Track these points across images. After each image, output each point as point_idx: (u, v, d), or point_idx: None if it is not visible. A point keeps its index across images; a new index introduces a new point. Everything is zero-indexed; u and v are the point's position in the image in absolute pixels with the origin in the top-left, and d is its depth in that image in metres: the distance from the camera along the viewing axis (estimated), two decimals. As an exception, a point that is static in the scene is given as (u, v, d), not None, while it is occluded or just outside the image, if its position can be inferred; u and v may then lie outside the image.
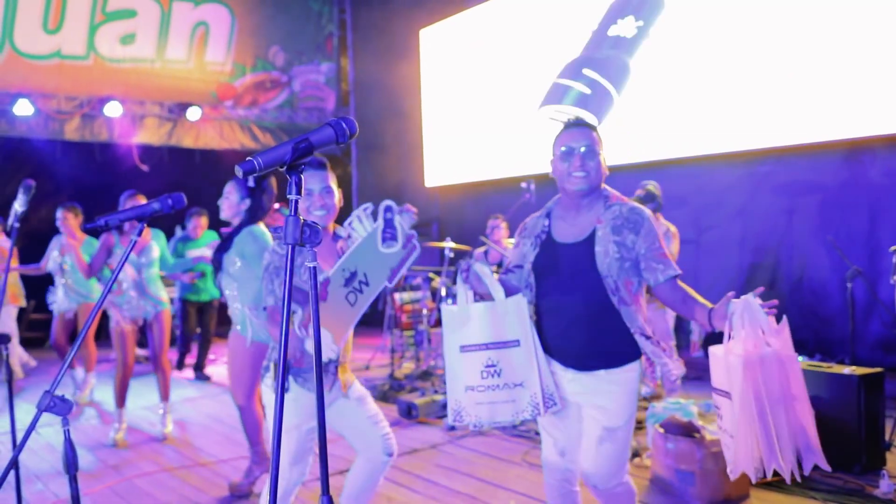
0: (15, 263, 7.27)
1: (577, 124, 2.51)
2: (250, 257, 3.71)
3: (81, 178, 8.86)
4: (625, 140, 7.35)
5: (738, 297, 2.22)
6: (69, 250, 5.76)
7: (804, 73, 5.91)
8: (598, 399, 2.46)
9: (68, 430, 2.06)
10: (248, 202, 3.81)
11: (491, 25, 8.93)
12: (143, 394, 6.27)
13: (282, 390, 1.40)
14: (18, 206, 3.34)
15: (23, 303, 7.18)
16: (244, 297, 3.72)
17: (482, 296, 2.53)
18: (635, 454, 4.29)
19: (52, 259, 5.97)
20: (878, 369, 4.03)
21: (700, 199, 6.84)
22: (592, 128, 2.51)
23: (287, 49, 10.92)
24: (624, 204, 2.49)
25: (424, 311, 6.64)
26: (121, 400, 5.11)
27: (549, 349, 2.51)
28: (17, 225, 3.35)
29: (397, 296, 6.77)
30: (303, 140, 1.34)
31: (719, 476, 3.54)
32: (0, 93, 8.60)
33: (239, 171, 1.30)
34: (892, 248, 4.04)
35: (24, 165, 8.75)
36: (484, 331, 2.43)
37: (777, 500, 3.60)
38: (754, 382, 2.11)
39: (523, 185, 5.65)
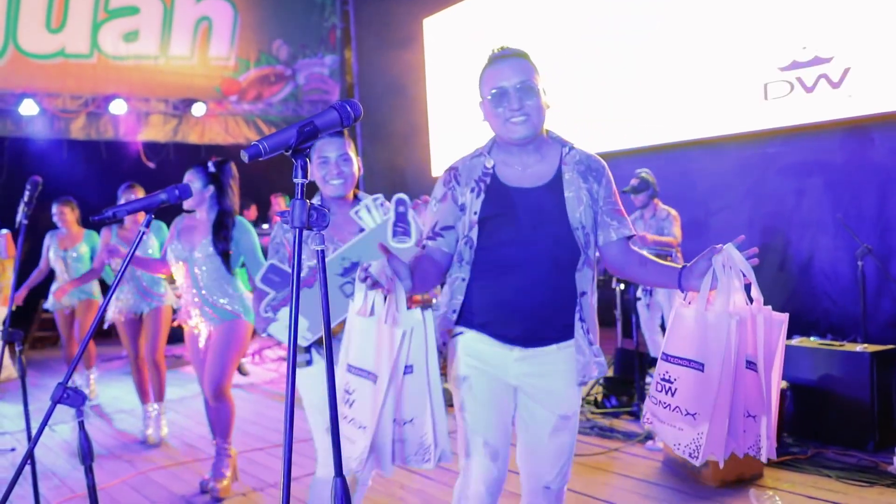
0: (10, 265, 7.30)
1: (504, 56, 2.06)
2: (244, 247, 3.75)
3: (88, 177, 8.90)
4: (631, 124, 7.31)
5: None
6: (71, 245, 5.74)
7: (812, 51, 5.87)
8: (551, 382, 2.08)
9: (83, 422, 2.08)
10: (211, 188, 3.75)
11: (494, 13, 8.89)
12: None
13: (292, 385, 1.39)
14: (25, 202, 3.36)
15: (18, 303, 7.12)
16: (236, 285, 3.78)
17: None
18: (648, 437, 4.30)
19: (51, 255, 5.82)
20: (891, 346, 4.02)
21: (708, 182, 6.81)
22: (524, 55, 2.06)
23: (290, 42, 10.90)
24: (581, 150, 2.13)
25: (434, 301, 6.64)
26: (142, 394, 5.06)
27: (488, 322, 2.06)
28: (25, 222, 3.37)
29: None
30: (308, 123, 1.34)
31: (732, 456, 3.53)
32: (5, 93, 8.63)
33: (244, 156, 1.31)
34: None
35: (31, 165, 8.78)
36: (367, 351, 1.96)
37: (791, 479, 3.59)
38: (743, 345, 1.81)
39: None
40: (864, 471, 3.61)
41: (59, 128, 9.14)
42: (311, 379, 2.57)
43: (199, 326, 3.79)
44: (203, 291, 3.73)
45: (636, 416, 4.76)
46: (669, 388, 1.89)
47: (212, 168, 3.79)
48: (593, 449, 4.23)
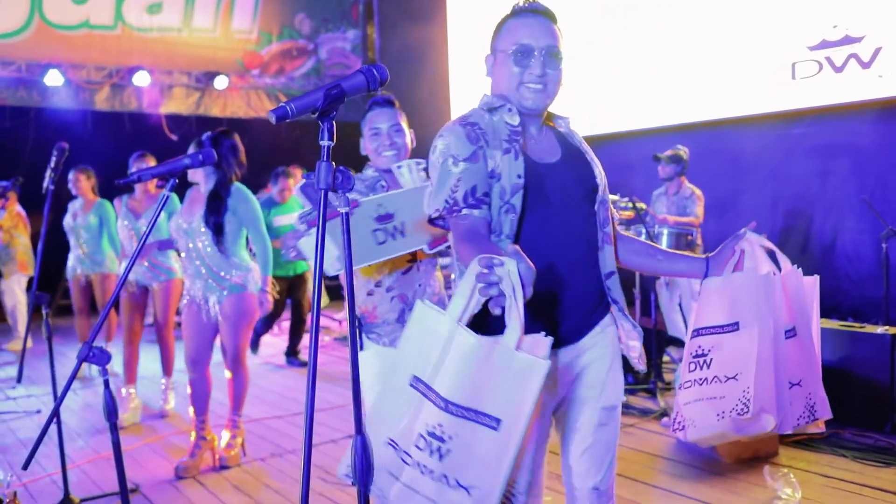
0: (24, 232, 7.32)
1: (535, 10, 1.80)
2: (242, 216, 3.74)
3: (112, 148, 8.94)
4: (657, 103, 7.25)
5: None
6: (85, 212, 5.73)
7: (842, 30, 5.77)
8: (595, 370, 1.84)
9: (108, 380, 2.12)
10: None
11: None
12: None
13: (315, 350, 1.40)
14: (52, 168, 3.42)
15: (32, 272, 7.07)
16: (241, 256, 3.79)
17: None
18: (664, 413, 4.31)
19: (67, 224, 5.75)
20: (912, 329, 3.99)
21: (733, 162, 6.74)
22: (555, 18, 1.82)
23: (313, 16, 10.88)
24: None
25: (452, 277, 6.66)
26: (128, 373, 4.92)
27: (535, 320, 1.64)
28: (52, 188, 3.43)
29: None
30: (335, 86, 1.35)
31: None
32: (31, 64, 8.71)
33: (272, 117, 1.32)
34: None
35: (56, 136, 8.83)
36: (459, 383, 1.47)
37: (806, 458, 3.60)
38: (777, 305, 1.78)
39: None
40: (880, 451, 3.61)
41: (83, 99, 9.22)
42: (361, 364, 2.40)
43: (202, 298, 3.76)
44: (208, 263, 3.73)
45: (652, 392, 4.77)
46: (703, 361, 1.86)
47: (205, 139, 3.76)
48: (609, 425, 4.26)
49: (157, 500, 3.48)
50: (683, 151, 5.54)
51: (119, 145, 9.08)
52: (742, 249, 1.86)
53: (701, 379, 1.85)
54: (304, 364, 6.37)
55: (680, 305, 5.81)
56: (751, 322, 1.79)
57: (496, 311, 1.35)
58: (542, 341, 1.41)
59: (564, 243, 1.79)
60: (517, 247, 1.39)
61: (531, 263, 1.37)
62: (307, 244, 2.19)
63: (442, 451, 1.43)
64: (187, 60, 9.84)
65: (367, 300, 2.46)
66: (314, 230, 2.12)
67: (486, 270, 1.35)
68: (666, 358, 5.38)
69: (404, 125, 2.51)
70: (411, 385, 1.50)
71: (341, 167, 1.37)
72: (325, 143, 1.35)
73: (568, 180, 1.81)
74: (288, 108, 1.33)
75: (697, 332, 1.88)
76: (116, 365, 5.37)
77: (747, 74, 6.45)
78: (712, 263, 1.90)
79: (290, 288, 6.31)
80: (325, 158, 1.35)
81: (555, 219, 1.77)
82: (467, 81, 9.60)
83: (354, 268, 2.17)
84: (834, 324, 4.26)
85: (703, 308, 1.88)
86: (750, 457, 3.56)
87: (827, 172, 6.17)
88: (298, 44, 10.80)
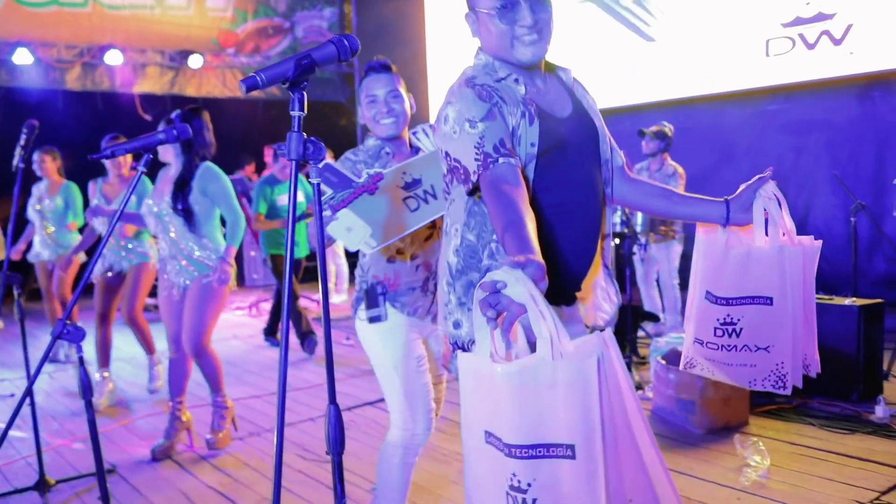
0: None
1: None
2: (213, 195, 3.66)
3: (84, 128, 8.84)
4: (632, 80, 7.28)
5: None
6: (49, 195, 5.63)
7: (815, 6, 5.82)
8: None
9: (82, 357, 2.13)
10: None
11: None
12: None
13: (286, 329, 1.41)
14: (21, 146, 3.37)
15: (1, 254, 6.95)
16: (213, 238, 3.70)
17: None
18: (638, 387, 4.38)
19: (30, 206, 5.64)
20: (879, 300, 4.08)
21: (708, 138, 6.81)
22: None
23: (288, -6, 10.77)
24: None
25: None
26: (101, 357, 4.84)
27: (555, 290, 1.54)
28: (21, 166, 3.38)
29: None
30: (305, 56, 1.35)
31: (719, 404, 3.63)
32: (-1, 41, 8.55)
33: (242, 87, 1.32)
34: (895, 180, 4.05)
35: (26, 115, 8.65)
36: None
37: (775, 427, 3.69)
38: (805, 273, 1.77)
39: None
40: (846, 419, 3.71)
41: (53, 78, 9.07)
42: (382, 335, 2.35)
43: (175, 279, 3.74)
44: (179, 244, 3.69)
45: (627, 367, 4.83)
46: (732, 329, 1.84)
47: (174, 117, 3.69)
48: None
49: (135, 481, 3.48)
50: (668, 128, 5.57)
51: (91, 126, 8.95)
52: (765, 210, 1.78)
53: (729, 345, 1.85)
54: (277, 344, 6.34)
55: (657, 281, 5.88)
56: (783, 297, 1.78)
57: (531, 338, 1.25)
58: (590, 340, 1.25)
59: (582, 206, 1.71)
60: (518, 257, 1.25)
61: (537, 257, 1.28)
62: (336, 229, 2.09)
63: (528, 502, 1.27)
64: (161, 39, 9.69)
65: (387, 268, 2.35)
66: (342, 213, 2.08)
67: (491, 300, 1.23)
68: (641, 333, 5.45)
69: (402, 91, 2.38)
70: (487, 442, 1.33)
71: (312, 137, 1.38)
72: (295, 113, 1.35)
73: (581, 136, 1.73)
74: (258, 78, 1.33)
75: (727, 301, 1.84)
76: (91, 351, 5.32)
77: (722, 51, 6.50)
78: (733, 208, 1.79)
79: (279, 270, 6.11)
80: (295, 129, 1.36)
81: (573, 180, 1.69)
82: (444, 58, 9.57)
83: (396, 239, 2.14)
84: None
85: (727, 272, 1.83)
86: (721, 427, 3.64)
87: (800, 149, 6.26)
88: (274, 22, 10.68)
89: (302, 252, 6.17)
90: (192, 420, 3.95)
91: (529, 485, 1.26)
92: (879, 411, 3.65)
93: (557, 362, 1.24)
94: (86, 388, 2.17)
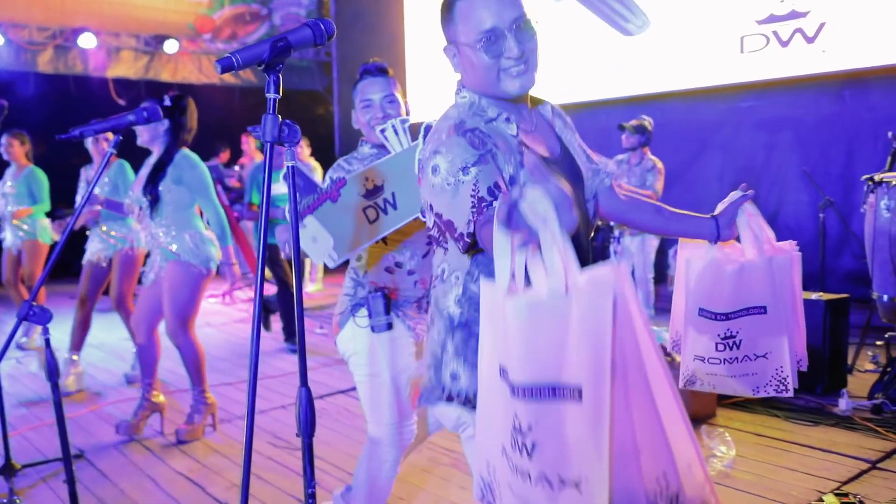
0: None
1: None
2: (189, 183, 3.62)
3: (56, 112, 8.71)
4: (608, 75, 7.32)
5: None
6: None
7: (789, 4, 5.90)
8: None
9: (49, 339, 2.11)
10: (166, 123, 3.62)
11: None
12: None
13: (258, 322, 1.41)
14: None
15: None
16: (182, 225, 3.66)
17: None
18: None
19: (0, 189, 5.58)
20: (845, 295, 4.17)
21: (682, 134, 6.88)
22: None
23: (266, -20, 10.67)
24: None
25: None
26: (73, 338, 4.76)
27: None
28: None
29: None
30: (281, 39, 1.35)
31: (687, 396, 3.67)
32: (-31, 22, 8.38)
33: (217, 67, 1.32)
34: (864, 177, 4.12)
35: (-3, 97, 8.59)
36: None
37: (741, 418, 3.75)
38: (795, 278, 1.83)
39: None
40: (810, 412, 3.79)
41: (25, 60, 8.91)
42: (383, 345, 2.28)
43: (154, 266, 3.73)
44: (153, 231, 3.67)
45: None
46: (733, 342, 1.87)
47: (168, 102, 3.65)
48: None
49: (102, 466, 3.46)
50: (648, 122, 5.60)
51: (63, 109, 8.82)
52: (747, 224, 1.83)
53: (731, 358, 1.90)
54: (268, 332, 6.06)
55: (633, 275, 5.94)
56: (776, 305, 1.84)
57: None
58: (603, 272, 1.16)
59: (574, 240, 1.62)
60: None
61: (564, 184, 1.18)
62: (303, 238, 2.01)
63: (528, 446, 1.21)
64: (136, 23, 9.55)
65: (386, 277, 2.29)
66: (308, 220, 2.02)
67: (507, 212, 1.15)
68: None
69: (399, 95, 2.30)
70: (501, 377, 1.27)
71: (288, 121, 1.38)
72: (271, 95, 1.36)
73: (569, 177, 1.64)
74: (234, 59, 1.33)
75: (726, 316, 1.89)
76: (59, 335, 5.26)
77: (697, 47, 6.56)
78: (722, 223, 1.80)
79: (272, 261, 5.74)
80: (270, 111, 1.36)
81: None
82: (422, 47, 9.55)
83: (351, 254, 2.08)
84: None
85: (724, 288, 1.87)
86: (689, 418, 3.67)
87: (772, 145, 6.35)
88: (252, 8, 10.58)
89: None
90: (166, 405, 3.93)
91: (530, 427, 1.20)
92: (843, 404, 3.73)
93: (570, 297, 1.16)
94: (52, 371, 2.16)
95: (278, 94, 1.36)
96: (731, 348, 1.89)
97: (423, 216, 1.86)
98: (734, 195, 1.82)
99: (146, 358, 3.84)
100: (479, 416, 1.36)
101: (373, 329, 2.23)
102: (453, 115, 1.60)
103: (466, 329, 1.59)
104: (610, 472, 1.16)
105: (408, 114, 2.32)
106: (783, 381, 1.85)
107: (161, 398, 3.90)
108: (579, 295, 1.16)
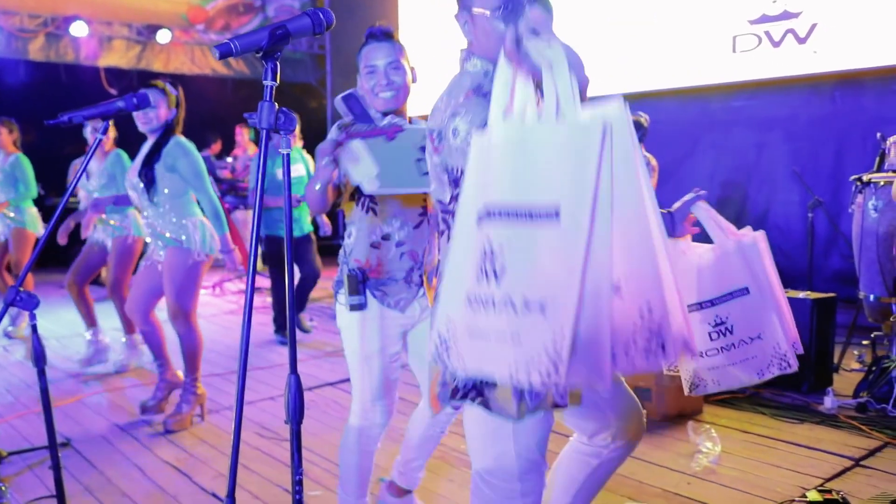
0: None
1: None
2: (183, 171, 3.62)
3: (46, 100, 8.65)
4: (600, 73, 7.33)
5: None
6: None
7: (781, 4, 5.93)
8: None
9: (36, 325, 2.10)
10: (174, 112, 3.68)
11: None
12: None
13: (250, 310, 1.42)
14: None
15: None
16: (181, 212, 3.67)
17: None
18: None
19: None
20: (832, 294, 4.20)
21: (673, 132, 6.90)
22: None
23: (260, -28, 10.62)
24: None
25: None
26: (86, 319, 4.89)
27: None
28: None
29: None
30: (280, 27, 1.35)
31: (674, 392, 3.70)
32: (-41, 8, 8.31)
33: (215, 52, 1.32)
34: (852, 177, 4.16)
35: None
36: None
37: (728, 415, 3.78)
38: (767, 260, 1.88)
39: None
40: (796, 409, 3.82)
41: (16, 47, 8.83)
42: (360, 324, 2.28)
43: (152, 253, 3.76)
44: (151, 221, 3.69)
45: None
46: (725, 328, 1.91)
47: (174, 91, 3.71)
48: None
49: (89, 454, 3.45)
50: (644, 118, 5.60)
51: (54, 97, 8.76)
52: (707, 216, 1.92)
53: (728, 346, 1.92)
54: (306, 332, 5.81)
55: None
56: (756, 284, 1.88)
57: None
58: (607, 106, 1.21)
59: None
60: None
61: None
62: (345, 154, 1.97)
63: (497, 269, 1.18)
64: (128, 12, 9.49)
65: (370, 253, 2.25)
66: (355, 143, 1.97)
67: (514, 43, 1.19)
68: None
69: (404, 62, 2.21)
70: (477, 223, 1.26)
71: (284, 108, 1.38)
72: (268, 82, 1.36)
73: None
74: (232, 45, 1.33)
75: (711, 303, 1.93)
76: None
77: (690, 46, 6.58)
78: (677, 219, 1.89)
79: (295, 252, 5.50)
80: (267, 98, 1.36)
81: None
82: (416, 40, 9.53)
83: (396, 192, 2.05)
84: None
85: (704, 278, 1.92)
86: (676, 414, 3.72)
87: (763, 145, 6.38)
88: (245, 0, 10.53)
89: (304, 228, 5.56)
90: (205, 395, 3.95)
91: (501, 247, 1.18)
92: (828, 402, 3.76)
93: (560, 123, 1.18)
94: (38, 357, 2.15)
95: (275, 81, 1.36)
96: (724, 335, 1.92)
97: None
98: (688, 197, 1.91)
99: (152, 341, 3.89)
100: (448, 269, 1.33)
101: (349, 308, 2.23)
102: (467, 82, 1.59)
103: None
104: (579, 300, 1.11)
105: (414, 81, 2.26)
106: (783, 357, 1.88)
107: (179, 374, 3.96)
108: (570, 123, 1.18)
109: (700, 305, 1.92)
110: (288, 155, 1.42)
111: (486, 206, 1.22)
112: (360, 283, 2.21)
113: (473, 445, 1.69)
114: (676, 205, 1.89)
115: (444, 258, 1.36)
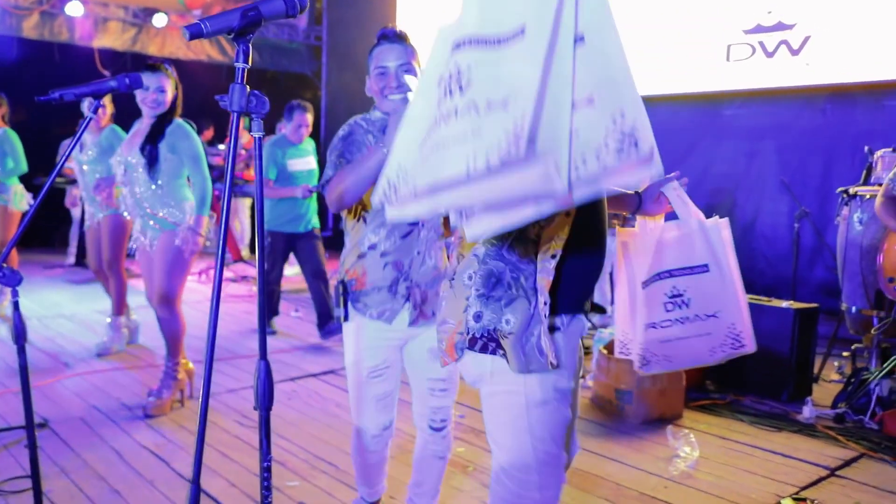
0: None
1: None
2: (183, 152, 3.62)
3: (39, 78, 8.60)
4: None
5: None
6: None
7: (776, 16, 5.94)
8: None
9: (17, 302, 2.08)
10: (177, 94, 3.71)
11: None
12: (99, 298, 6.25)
13: (217, 297, 1.40)
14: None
15: None
16: (178, 196, 3.66)
17: None
18: (581, 376, 4.45)
19: None
20: (814, 304, 4.21)
21: (664, 139, 6.82)
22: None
23: (260, -41, 10.55)
24: None
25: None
26: (113, 306, 4.88)
27: None
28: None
29: None
30: (252, 8, 1.34)
31: (655, 396, 3.71)
32: (-46, -17, 8.23)
33: (185, 34, 1.30)
34: (839, 189, 4.17)
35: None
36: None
37: (707, 421, 3.79)
38: (728, 245, 1.94)
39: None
40: (775, 417, 3.83)
41: (10, 24, 8.75)
42: (346, 334, 2.31)
43: (143, 235, 3.73)
44: (143, 203, 3.65)
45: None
46: (681, 300, 1.93)
47: (175, 73, 3.72)
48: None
49: (67, 436, 3.43)
50: None
51: (47, 76, 8.70)
52: (668, 197, 1.95)
53: (683, 318, 1.94)
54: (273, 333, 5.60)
55: (610, 274, 5.95)
56: (716, 264, 1.92)
57: None
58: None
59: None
60: None
61: None
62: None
63: (462, 84, 1.21)
64: (125, -6, 9.42)
65: (356, 264, 2.22)
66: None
67: None
68: (587, 324, 5.52)
69: (416, 65, 2.18)
70: (450, 54, 1.27)
71: (256, 91, 1.37)
72: (239, 64, 1.34)
73: None
74: (202, 26, 1.31)
75: (668, 274, 1.95)
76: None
77: (684, 54, 6.58)
78: (645, 198, 1.96)
79: (297, 248, 5.30)
80: (239, 81, 1.34)
81: None
82: (414, 34, 9.49)
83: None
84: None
85: (665, 251, 1.95)
86: (657, 418, 3.72)
87: (752, 154, 6.39)
88: (243, -13, 10.48)
89: (302, 226, 5.28)
90: (193, 371, 3.96)
91: (469, 66, 1.21)
92: (806, 412, 3.77)
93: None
94: (18, 335, 2.13)
95: (247, 63, 1.35)
96: (680, 307, 1.94)
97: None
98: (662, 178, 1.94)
99: (178, 328, 3.84)
100: (405, 123, 1.35)
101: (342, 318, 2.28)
102: None
103: (487, 269, 1.66)
104: (539, 96, 1.12)
105: None
106: (737, 337, 1.92)
107: (190, 366, 3.95)
108: None
109: (658, 276, 1.94)
110: (260, 139, 1.40)
111: (455, 40, 1.24)
112: (341, 296, 2.22)
113: (493, 437, 1.77)
114: (648, 183, 1.92)
115: (403, 118, 1.39)
